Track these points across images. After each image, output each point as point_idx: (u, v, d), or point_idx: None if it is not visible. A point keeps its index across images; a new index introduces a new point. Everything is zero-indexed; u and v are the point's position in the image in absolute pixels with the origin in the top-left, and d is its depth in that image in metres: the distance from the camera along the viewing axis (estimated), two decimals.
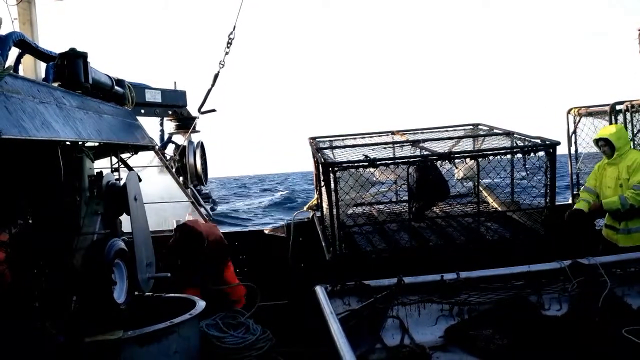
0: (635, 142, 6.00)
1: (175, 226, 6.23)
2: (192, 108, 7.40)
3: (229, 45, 6.46)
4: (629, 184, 5.15)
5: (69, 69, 3.82)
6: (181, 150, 7.38)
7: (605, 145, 5.33)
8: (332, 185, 4.78)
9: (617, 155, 5.28)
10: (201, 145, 7.51)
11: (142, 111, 6.37)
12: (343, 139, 6.79)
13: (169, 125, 7.63)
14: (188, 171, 7.25)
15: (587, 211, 5.43)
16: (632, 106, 6.00)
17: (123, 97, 5.08)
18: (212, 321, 4.25)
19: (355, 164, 4.90)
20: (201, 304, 3.92)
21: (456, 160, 5.04)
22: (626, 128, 6.04)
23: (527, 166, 5.17)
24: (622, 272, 4.16)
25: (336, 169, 4.80)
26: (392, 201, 6.40)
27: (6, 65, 2.87)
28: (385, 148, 5.92)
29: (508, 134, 5.80)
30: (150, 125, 7.45)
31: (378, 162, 4.88)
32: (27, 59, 4.63)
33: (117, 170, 4.27)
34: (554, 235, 4.99)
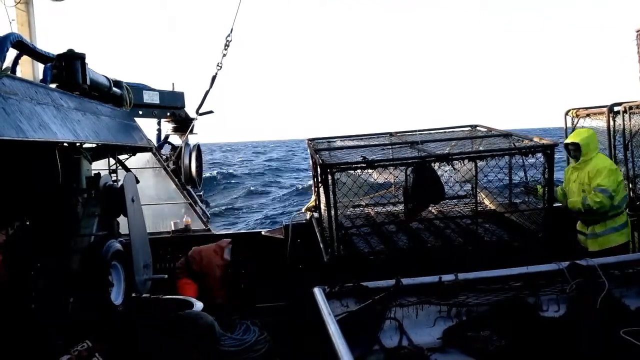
0: (634, 144, 6.00)
1: (172, 228, 6.22)
2: (190, 110, 7.40)
3: (226, 47, 6.47)
4: (590, 188, 5.17)
5: (67, 70, 3.82)
6: (177, 152, 7.35)
7: (577, 150, 5.32)
8: (330, 186, 4.78)
9: (582, 160, 5.29)
10: (197, 148, 7.48)
11: (140, 112, 6.37)
12: (341, 141, 6.79)
13: (167, 126, 7.61)
14: (183, 173, 7.23)
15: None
16: (630, 107, 6.00)
17: (121, 98, 5.07)
18: None
19: (354, 165, 4.90)
20: (199, 305, 3.92)
21: (454, 162, 5.03)
22: (624, 130, 6.04)
23: (525, 167, 5.16)
24: (620, 273, 4.15)
25: (334, 170, 4.79)
26: (390, 202, 6.39)
27: (4, 67, 2.87)
28: (383, 149, 5.91)
29: (506, 135, 5.79)
30: (149, 126, 7.44)
31: (376, 164, 4.88)
32: (25, 60, 4.63)
33: (114, 171, 4.26)
34: (552, 236, 4.99)
